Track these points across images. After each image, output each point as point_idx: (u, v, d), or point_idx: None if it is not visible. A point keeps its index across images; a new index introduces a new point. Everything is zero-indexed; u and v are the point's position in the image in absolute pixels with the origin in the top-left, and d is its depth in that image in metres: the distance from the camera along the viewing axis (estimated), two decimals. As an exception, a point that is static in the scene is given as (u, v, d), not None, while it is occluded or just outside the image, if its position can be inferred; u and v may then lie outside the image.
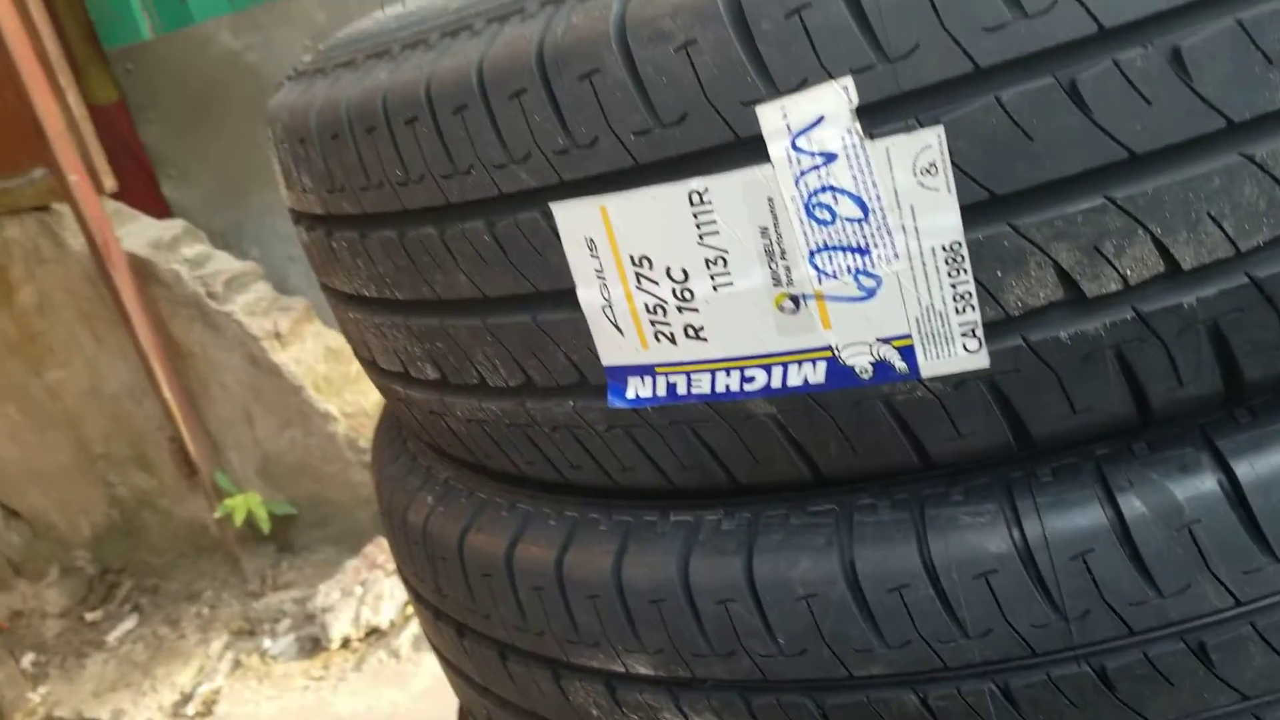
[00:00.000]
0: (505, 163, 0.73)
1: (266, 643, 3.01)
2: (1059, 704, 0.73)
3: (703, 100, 0.65)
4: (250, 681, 2.89)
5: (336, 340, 3.25)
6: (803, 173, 0.65)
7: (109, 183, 3.11)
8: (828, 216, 0.66)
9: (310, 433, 3.21)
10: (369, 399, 3.23)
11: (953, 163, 0.62)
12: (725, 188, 0.67)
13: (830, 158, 0.64)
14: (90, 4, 3.35)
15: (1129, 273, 0.64)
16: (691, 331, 0.73)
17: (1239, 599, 0.69)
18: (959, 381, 0.69)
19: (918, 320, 0.67)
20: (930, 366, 0.68)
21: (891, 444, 0.73)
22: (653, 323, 0.74)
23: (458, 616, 1.00)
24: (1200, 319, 0.65)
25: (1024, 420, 0.70)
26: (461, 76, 0.73)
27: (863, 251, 0.66)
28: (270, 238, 3.42)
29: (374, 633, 2.88)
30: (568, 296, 0.76)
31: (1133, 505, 0.68)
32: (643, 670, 0.84)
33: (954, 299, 0.66)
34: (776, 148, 0.65)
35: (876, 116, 0.62)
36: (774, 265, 0.69)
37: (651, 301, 0.73)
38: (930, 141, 0.62)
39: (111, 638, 3.33)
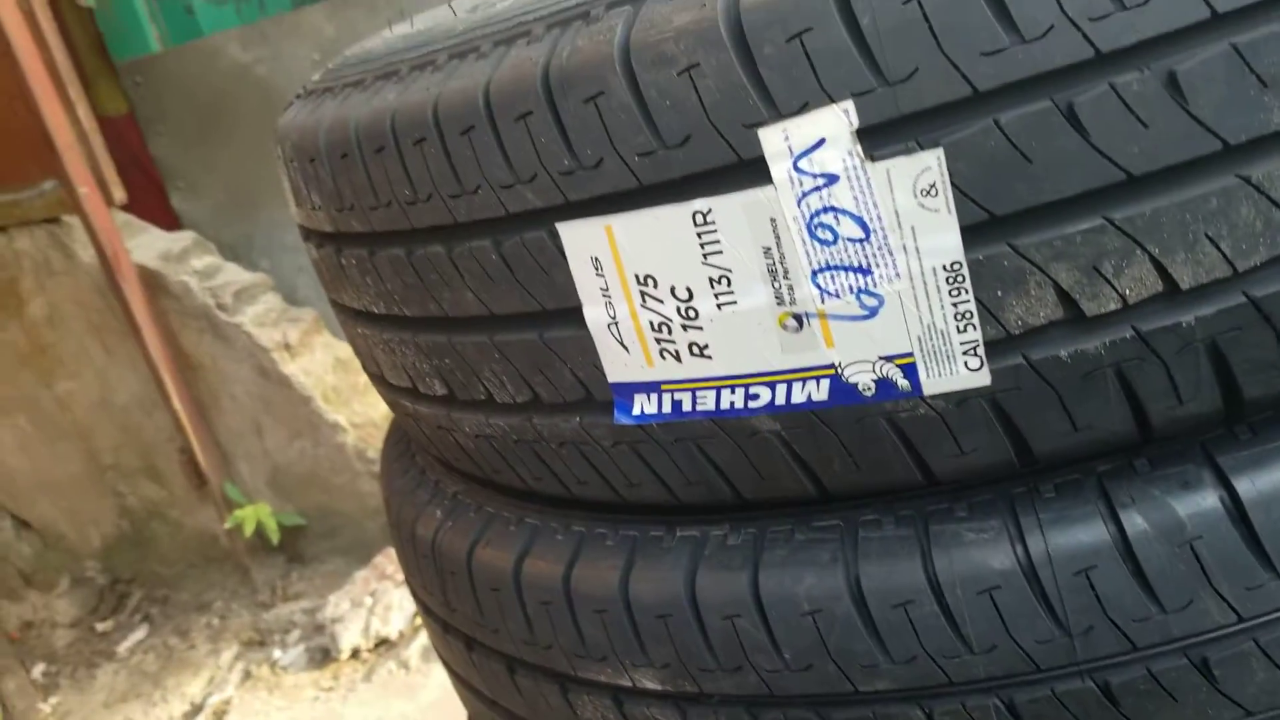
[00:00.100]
0: (512, 183, 0.73)
1: (276, 653, 3.02)
2: (1063, 719, 0.73)
3: (706, 123, 0.66)
4: (260, 692, 2.90)
5: (345, 351, 3.26)
6: (805, 194, 0.66)
7: (119, 195, 3.12)
8: (830, 237, 0.67)
9: (319, 443, 3.22)
10: (378, 410, 3.25)
11: (953, 184, 0.63)
12: (728, 208, 0.68)
13: (832, 179, 0.65)
14: (99, 17, 3.37)
15: (1128, 292, 0.64)
16: (696, 349, 0.74)
17: (1241, 615, 0.69)
18: (961, 399, 0.69)
19: (919, 339, 0.68)
20: (932, 384, 0.69)
21: (895, 461, 0.74)
22: (658, 340, 0.75)
23: (466, 630, 1.01)
24: (1199, 338, 0.66)
25: (1026, 437, 0.71)
26: (469, 98, 0.74)
27: (865, 271, 0.67)
28: (279, 249, 3.44)
29: (383, 643, 2.89)
30: (574, 314, 0.77)
31: (1135, 522, 0.69)
32: (650, 685, 0.84)
33: (955, 318, 0.66)
34: (779, 169, 0.65)
35: (877, 139, 0.63)
36: (777, 284, 0.69)
37: (656, 320, 0.74)
38: (930, 163, 0.63)
39: (122, 648, 3.34)
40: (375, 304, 0.91)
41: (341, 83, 0.90)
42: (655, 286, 0.73)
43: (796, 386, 0.72)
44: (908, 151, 0.63)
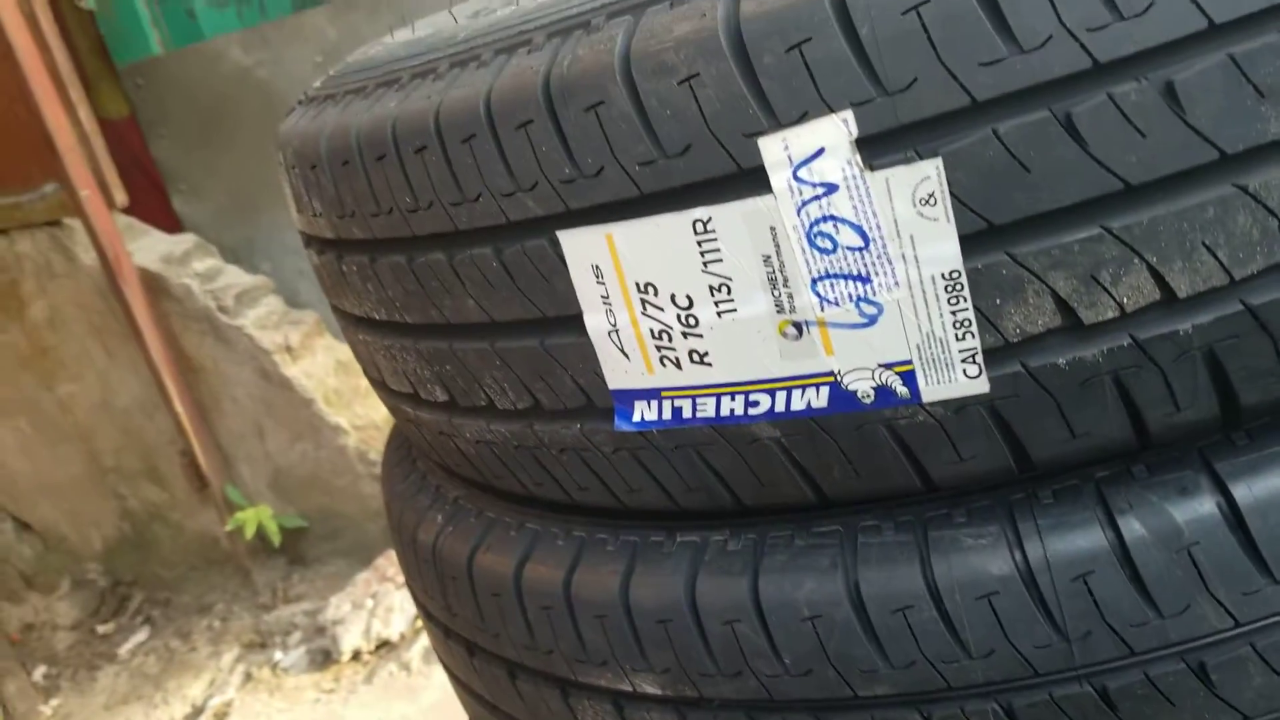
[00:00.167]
0: (513, 191, 0.74)
1: (277, 655, 3.03)
2: (1061, 724, 0.74)
3: (706, 132, 0.66)
4: (261, 694, 2.90)
5: (347, 354, 3.27)
6: (804, 203, 0.66)
7: (120, 197, 3.12)
8: (829, 245, 0.67)
9: (321, 446, 3.22)
10: (379, 412, 3.25)
11: (951, 193, 0.63)
12: (728, 217, 0.69)
13: (831, 188, 0.65)
14: (100, 19, 3.37)
15: (1125, 300, 0.65)
16: (696, 357, 0.75)
17: (1238, 620, 0.70)
18: (960, 406, 0.70)
19: (918, 346, 0.68)
20: (931, 392, 0.69)
21: (894, 467, 0.74)
22: (658, 348, 0.75)
23: (467, 635, 1.01)
24: (1196, 345, 0.66)
25: (1024, 444, 0.71)
26: (470, 106, 0.74)
27: (864, 279, 0.67)
28: (281, 252, 3.44)
29: (384, 645, 2.89)
30: (574, 322, 0.77)
31: (1133, 527, 0.69)
32: (650, 689, 0.85)
33: (954, 326, 0.67)
34: (778, 178, 0.66)
35: (876, 148, 0.64)
36: (777, 292, 0.70)
37: (657, 327, 0.75)
38: (929, 173, 0.63)
39: (123, 650, 3.35)
40: (376, 310, 0.91)
41: (343, 89, 0.90)
42: (655, 294, 0.73)
43: (796, 393, 0.73)
44: (907, 161, 0.63)
